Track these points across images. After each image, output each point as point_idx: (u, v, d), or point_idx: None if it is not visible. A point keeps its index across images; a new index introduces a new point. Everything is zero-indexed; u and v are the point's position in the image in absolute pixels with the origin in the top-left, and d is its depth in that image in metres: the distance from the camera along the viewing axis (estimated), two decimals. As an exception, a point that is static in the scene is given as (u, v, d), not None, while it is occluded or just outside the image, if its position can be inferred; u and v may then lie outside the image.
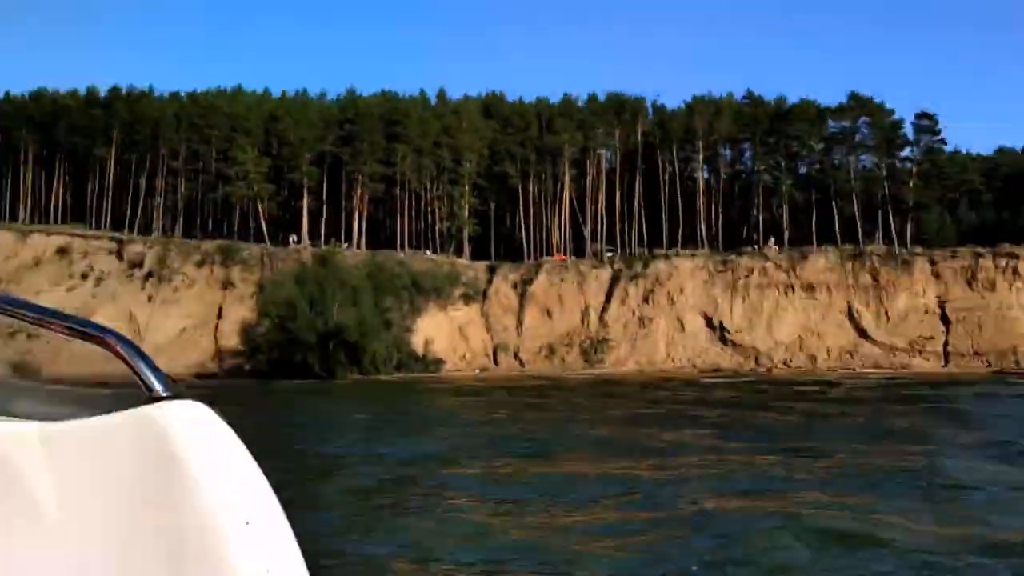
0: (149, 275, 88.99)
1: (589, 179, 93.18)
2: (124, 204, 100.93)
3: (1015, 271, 78.33)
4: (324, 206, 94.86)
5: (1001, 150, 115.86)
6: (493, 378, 73.34)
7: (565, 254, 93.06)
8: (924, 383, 58.91)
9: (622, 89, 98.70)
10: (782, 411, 36.39)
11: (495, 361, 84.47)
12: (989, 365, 74.07)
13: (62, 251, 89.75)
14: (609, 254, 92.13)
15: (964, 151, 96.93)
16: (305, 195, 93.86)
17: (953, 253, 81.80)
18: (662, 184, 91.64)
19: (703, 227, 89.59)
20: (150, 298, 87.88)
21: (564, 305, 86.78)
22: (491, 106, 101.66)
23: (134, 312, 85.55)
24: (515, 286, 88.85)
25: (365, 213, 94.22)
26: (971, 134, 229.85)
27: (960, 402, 42.06)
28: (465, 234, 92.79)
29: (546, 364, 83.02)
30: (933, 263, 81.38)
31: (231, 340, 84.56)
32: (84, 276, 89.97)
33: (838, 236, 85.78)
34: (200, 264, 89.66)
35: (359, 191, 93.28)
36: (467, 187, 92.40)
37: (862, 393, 49.09)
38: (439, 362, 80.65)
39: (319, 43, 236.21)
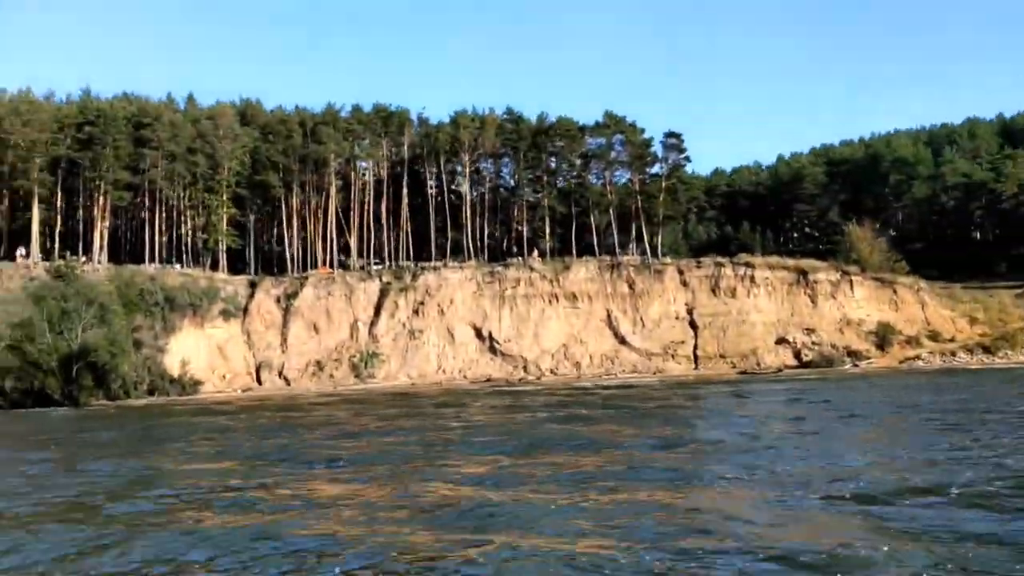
0: None
1: (355, 191, 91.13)
2: None
3: (752, 279, 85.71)
4: (59, 217, 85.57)
5: (717, 172, 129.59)
6: (262, 397, 69.10)
7: (331, 267, 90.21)
8: (705, 383, 62.86)
9: (383, 101, 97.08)
10: (637, 413, 36.44)
11: (258, 380, 79.95)
12: (734, 366, 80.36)
13: None
14: (376, 267, 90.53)
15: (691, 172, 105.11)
16: (35, 204, 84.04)
17: (698, 263, 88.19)
18: (429, 197, 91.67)
19: (469, 240, 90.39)
20: None
21: (332, 319, 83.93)
22: (247, 113, 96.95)
23: None
24: (278, 301, 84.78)
25: (107, 224, 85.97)
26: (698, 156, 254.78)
27: (771, 395, 44.94)
28: (222, 247, 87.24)
29: (313, 381, 79.83)
30: (681, 272, 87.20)
31: (-55, 368, 74.06)
32: None
33: (596, 247, 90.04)
34: (-98, 285, 77.65)
35: (100, 200, 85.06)
36: (225, 197, 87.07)
37: (662, 392, 51.12)
38: (196, 383, 74.92)
39: (45, 41, 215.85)
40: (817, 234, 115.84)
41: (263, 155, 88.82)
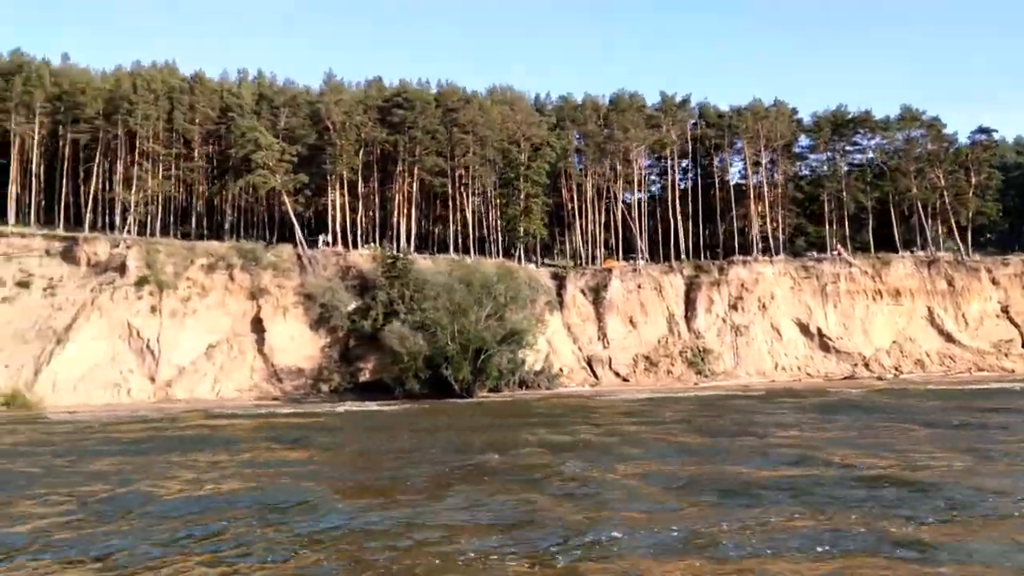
0: (142, 281, 71.76)
1: (642, 181, 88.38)
2: (57, 197, 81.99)
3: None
4: (360, 203, 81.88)
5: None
6: (631, 390, 65.89)
7: (616, 260, 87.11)
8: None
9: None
10: None
11: (593, 374, 76.93)
12: (1078, 366, 78.95)
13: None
14: (642, 261, 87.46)
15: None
16: (343, 188, 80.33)
17: (1004, 261, 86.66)
18: (715, 190, 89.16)
19: (768, 231, 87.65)
20: (153, 309, 70.87)
21: (647, 313, 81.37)
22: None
23: (134, 325, 68.89)
24: (584, 293, 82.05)
25: (412, 211, 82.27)
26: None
27: None
28: (531, 236, 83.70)
29: (648, 376, 77.12)
30: (989, 270, 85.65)
31: (287, 357, 70.78)
32: (23, 284, 70.99)
33: (896, 242, 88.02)
34: (210, 268, 73.96)
35: (406, 187, 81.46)
36: (532, 185, 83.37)
37: None
38: (557, 376, 72.07)
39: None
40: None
41: (561, 143, 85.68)
